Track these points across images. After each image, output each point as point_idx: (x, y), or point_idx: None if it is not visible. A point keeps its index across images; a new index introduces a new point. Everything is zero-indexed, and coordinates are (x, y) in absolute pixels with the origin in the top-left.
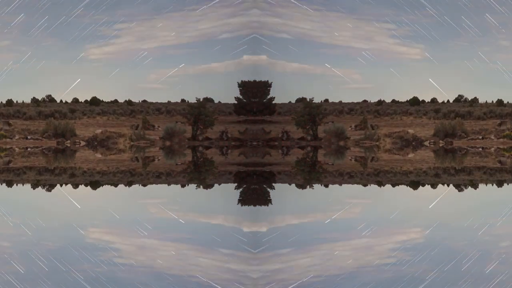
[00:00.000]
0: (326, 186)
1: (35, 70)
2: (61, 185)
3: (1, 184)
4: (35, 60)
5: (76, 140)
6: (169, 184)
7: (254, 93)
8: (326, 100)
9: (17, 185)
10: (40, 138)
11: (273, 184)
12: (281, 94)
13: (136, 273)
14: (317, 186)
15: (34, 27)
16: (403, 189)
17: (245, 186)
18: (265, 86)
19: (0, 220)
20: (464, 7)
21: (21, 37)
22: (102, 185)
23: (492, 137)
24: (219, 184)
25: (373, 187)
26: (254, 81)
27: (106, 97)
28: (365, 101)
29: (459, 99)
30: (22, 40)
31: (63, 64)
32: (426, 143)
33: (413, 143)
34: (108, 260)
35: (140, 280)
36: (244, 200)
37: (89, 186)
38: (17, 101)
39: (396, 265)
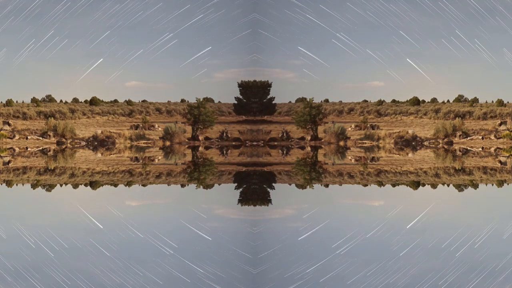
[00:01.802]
0: (326, 186)
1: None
2: (61, 185)
3: (1, 184)
4: (58, 38)
5: (76, 140)
6: (169, 184)
7: (254, 93)
8: (326, 100)
9: (17, 185)
10: (40, 138)
11: (273, 184)
12: (281, 94)
13: (137, 276)
14: (317, 186)
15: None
16: (401, 191)
17: (245, 186)
18: (265, 86)
19: (9, 227)
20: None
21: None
22: (102, 185)
23: (492, 137)
24: (219, 184)
25: (371, 188)
26: (254, 81)
27: (105, 97)
28: (365, 101)
29: (459, 99)
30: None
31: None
32: (426, 143)
33: (413, 143)
34: (109, 261)
35: (144, 281)
36: (244, 200)
37: (89, 186)
38: (17, 101)
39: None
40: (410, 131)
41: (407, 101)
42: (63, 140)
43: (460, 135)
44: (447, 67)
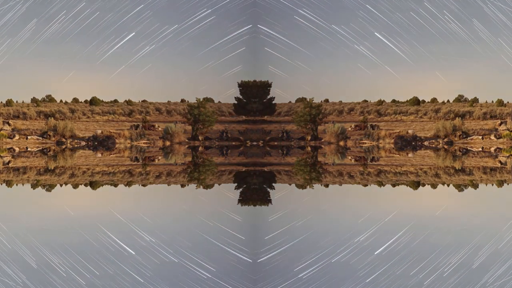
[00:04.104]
0: (326, 186)
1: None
2: (61, 185)
3: (1, 184)
4: (89, 11)
5: (76, 140)
6: (169, 184)
7: (254, 93)
8: (326, 100)
9: (17, 185)
10: (40, 138)
11: (273, 184)
12: (281, 94)
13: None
14: (317, 186)
15: None
16: (390, 200)
17: (245, 186)
18: (265, 86)
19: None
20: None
21: None
22: (102, 185)
23: (492, 137)
24: (219, 184)
25: (370, 189)
26: (254, 81)
27: (105, 97)
28: (365, 101)
29: (459, 99)
30: None
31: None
32: (426, 143)
33: (413, 143)
34: (109, 261)
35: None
36: (244, 200)
37: (89, 186)
38: (17, 101)
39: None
40: (410, 131)
41: (407, 101)
42: (63, 140)
43: (460, 135)
44: (417, 40)
